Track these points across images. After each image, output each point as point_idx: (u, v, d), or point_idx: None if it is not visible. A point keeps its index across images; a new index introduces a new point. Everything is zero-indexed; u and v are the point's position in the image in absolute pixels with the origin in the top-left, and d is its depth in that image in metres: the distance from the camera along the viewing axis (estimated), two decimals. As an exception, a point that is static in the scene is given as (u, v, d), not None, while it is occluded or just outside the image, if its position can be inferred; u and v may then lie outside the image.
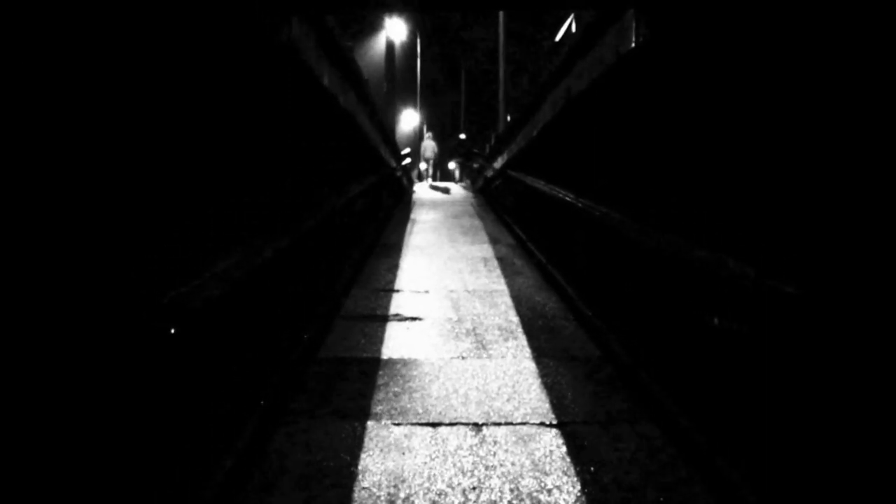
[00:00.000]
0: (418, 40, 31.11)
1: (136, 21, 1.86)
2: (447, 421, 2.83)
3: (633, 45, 3.39)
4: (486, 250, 6.98)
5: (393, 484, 2.32)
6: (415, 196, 13.29)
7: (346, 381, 3.27)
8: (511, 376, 3.36)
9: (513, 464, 2.47)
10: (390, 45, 21.31)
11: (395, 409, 2.95)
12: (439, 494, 2.26)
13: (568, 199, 4.76)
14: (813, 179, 1.93)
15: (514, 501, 2.22)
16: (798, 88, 2.02)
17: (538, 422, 2.83)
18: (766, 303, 2.05)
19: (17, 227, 1.35)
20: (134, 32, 1.84)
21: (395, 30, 21.27)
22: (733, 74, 2.45)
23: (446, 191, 15.37)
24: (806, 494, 1.94)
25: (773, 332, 2.07)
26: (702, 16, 2.75)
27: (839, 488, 1.79)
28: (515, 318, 4.44)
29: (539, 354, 3.71)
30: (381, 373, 3.39)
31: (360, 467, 2.44)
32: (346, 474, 2.39)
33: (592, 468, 2.44)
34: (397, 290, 5.23)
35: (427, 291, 5.19)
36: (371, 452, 2.55)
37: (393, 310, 4.65)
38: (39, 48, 1.43)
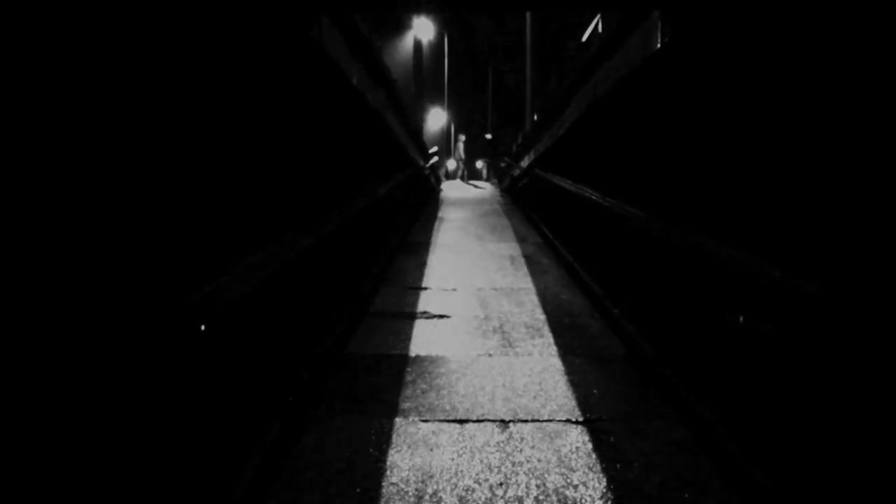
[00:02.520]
0: (445, 40, 31.15)
1: (182, 40, 1.93)
2: (474, 418, 2.87)
3: (659, 45, 3.38)
4: (513, 248, 7.00)
5: (421, 479, 2.37)
6: (442, 195, 13.34)
7: (375, 378, 3.33)
8: (537, 374, 3.38)
9: (539, 460, 2.50)
10: (418, 45, 21.36)
11: (423, 405, 3.00)
12: (466, 490, 2.30)
13: (594, 198, 4.76)
14: (838, 182, 1.92)
15: (541, 497, 2.25)
16: (820, 89, 2.01)
17: (564, 418, 2.85)
18: (790, 302, 2.04)
19: (45, 228, 1.43)
20: (174, 50, 1.92)
21: (422, 29, 21.31)
22: (759, 75, 2.44)
23: (476, 187, 15.74)
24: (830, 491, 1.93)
25: (798, 331, 2.06)
26: (726, 16, 2.74)
27: (851, 481, 1.79)
28: (542, 316, 4.46)
29: (565, 352, 3.73)
30: (408, 370, 3.44)
31: (388, 463, 2.48)
32: (375, 470, 2.43)
33: (618, 465, 2.45)
34: (425, 288, 5.28)
35: (454, 289, 5.23)
36: (399, 448, 2.60)
37: (421, 307, 4.70)
38: (83, 58, 1.51)
